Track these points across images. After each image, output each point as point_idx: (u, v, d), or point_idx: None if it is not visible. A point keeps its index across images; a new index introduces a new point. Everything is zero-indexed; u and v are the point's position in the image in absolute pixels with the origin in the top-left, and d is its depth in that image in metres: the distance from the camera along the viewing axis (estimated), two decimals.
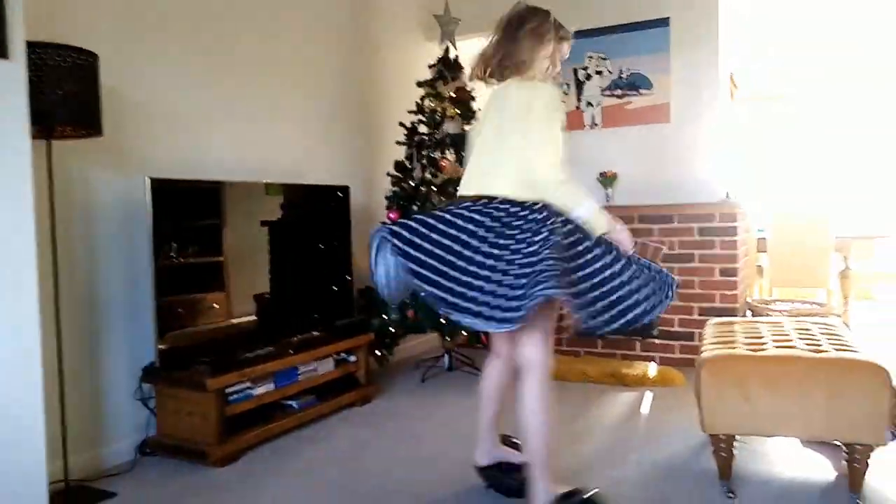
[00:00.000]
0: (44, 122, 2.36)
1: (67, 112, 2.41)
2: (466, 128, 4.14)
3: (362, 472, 2.69)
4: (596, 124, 4.72)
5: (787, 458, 2.67)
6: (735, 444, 2.42)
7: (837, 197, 6.79)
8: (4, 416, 2.13)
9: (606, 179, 4.58)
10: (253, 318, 3.25)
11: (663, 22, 4.47)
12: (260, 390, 3.03)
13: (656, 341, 4.35)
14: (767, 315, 4.20)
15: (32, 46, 2.29)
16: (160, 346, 2.78)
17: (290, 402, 3.24)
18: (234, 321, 3.16)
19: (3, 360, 2.13)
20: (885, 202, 6.82)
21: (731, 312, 4.09)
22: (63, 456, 2.51)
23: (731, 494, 2.35)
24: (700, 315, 4.20)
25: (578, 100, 4.76)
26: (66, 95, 2.39)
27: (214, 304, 3.08)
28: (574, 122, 4.76)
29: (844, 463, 2.30)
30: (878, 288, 6.67)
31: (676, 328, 4.28)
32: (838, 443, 2.43)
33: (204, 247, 3.04)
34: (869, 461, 2.24)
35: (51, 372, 2.41)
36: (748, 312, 4.42)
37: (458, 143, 4.07)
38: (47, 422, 2.26)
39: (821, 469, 2.55)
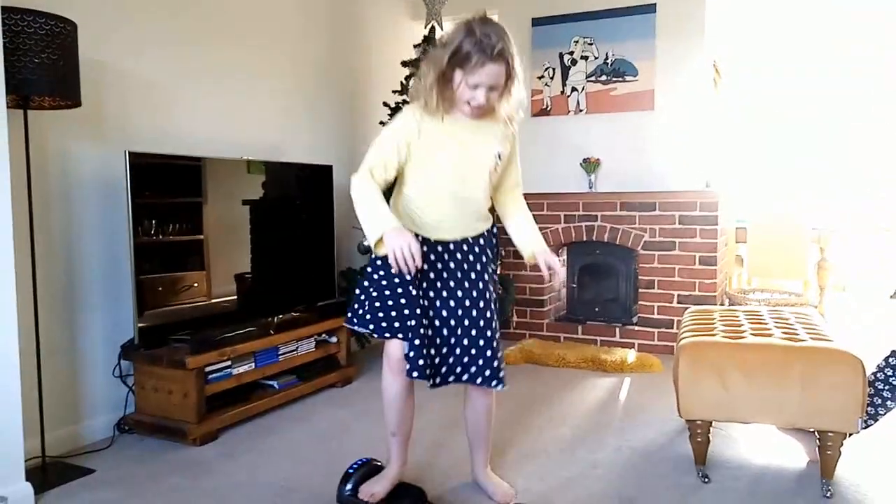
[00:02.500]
0: (20, 90, 2.31)
1: (45, 81, 2.35)
2: None
3: (342, 451, 2.69)
4: (581, 110, 4.71)
5: (761, 444, 2.72)
6: (711, 429, 2.45)
7: (817, 189, 6.88)
8: None
9: (589, 165, 4.59)
10: (233, 297, 3.22)
11: (650, 8, 4.46)
12: (240, 369, 3.01)
13: (636, 328, 4.39)
14: (745, 304, 4.26)
15: (7, 12, 2.23)
16: (140, 325, 2.75)
17: (270, 382, 3.23)
18: (215, 301, 3.13)
19: None
20: (864, 195, 6.92)
21: (710, 301, 4.14)
22: (40, 432, 2.48)
23: (705, 479, 2.39)
24: (679, 303, 4.24)
25: (563, 85, 4.74)
26: (44, 64, 2.33)
27: (194, 284, 3.05)
28: (558, 107, 4.76)
29: (817, 450, 2.35)
30: (853, 279, 6.79)
31: (656, 315, 4.32)
32: (812, 430, 2.49)
33: (184, 225, 3.00)
34: (841, 449, 2.28)
35: (28, 348, 2.37)
36: (726, 302, 4.48)
37: None
38: (24, 398, 2.23)
39: (794, 455, 2.60)
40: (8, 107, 2.17)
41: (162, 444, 2.78)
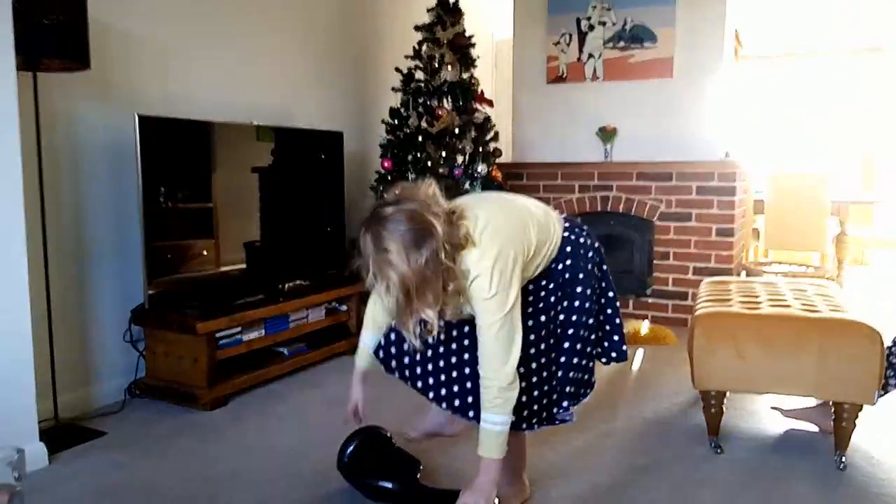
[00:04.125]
0: (29, 52, 2.28)
1: (54, 43, 2.33)
2: (464, 76, 4.05)
3: None
4: (597, 77, 4.62)
5: (775, 415, 2.69)
6: (724, 400, 2.42)
7: (837, 161, 6.76)
8: None
9: (606, 134, 4.51)
10: (242, 266, 3.20)
11: None
12: (250, 336, 3.02)
13: (649, 300, 4.35)
14: (762, 277, 4.20)
15: None
16: (150, 292, 2.74)
17: (280, 349, 3.23)
18: (224, 269, 3.11)
19: None
20: (884, 168, 6.80)
21: (726, 273, 4.08)
22: (53, 395, 2.50)
23: (718, 450, 2.37)
24: (694, 275, 4.19)
25: (580, 51, 4.64)
26: (53, 26, 2.30)
27: (203, 252, 3.04)
28: (575, 74, 4.66)
29: (832, 422, 2.31)
30: (872, 253, 6.69)
31: (670, 287, 4.28)
32: (821, 401, 2.46)
33: (193, 192, 2.98)
34: (857, 420, 2.25)
35: (39, 313, 2.37)
36: (743, 274, 4.42)
37: (456, 92, 3.98)
38: (37, 362, 2.24)
39: (807, 427, 2.57)
40: (17, 69, 2.15)
41: (172, 408, 2.79)
